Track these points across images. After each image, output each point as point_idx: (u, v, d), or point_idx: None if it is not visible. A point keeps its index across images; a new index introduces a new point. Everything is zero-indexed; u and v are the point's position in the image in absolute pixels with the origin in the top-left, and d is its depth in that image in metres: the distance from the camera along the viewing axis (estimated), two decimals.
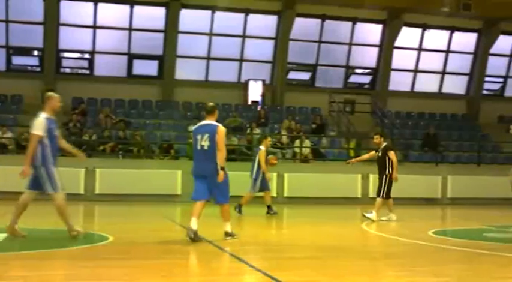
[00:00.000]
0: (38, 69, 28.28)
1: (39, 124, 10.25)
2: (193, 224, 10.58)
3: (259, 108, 28.39)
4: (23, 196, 10.51)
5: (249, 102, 29.14)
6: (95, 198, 21.10)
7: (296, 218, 18.41)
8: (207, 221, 11.68)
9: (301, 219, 17.29)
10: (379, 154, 15.91)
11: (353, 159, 17.47)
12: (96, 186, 21.51)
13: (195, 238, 10.47)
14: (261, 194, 17.14)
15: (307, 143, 25.09)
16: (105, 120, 24.87)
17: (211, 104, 11.30)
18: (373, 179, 22.98)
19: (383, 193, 15.61)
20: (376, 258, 9.76)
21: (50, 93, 10.84)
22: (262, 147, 17.07)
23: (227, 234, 11.06)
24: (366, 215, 15.47)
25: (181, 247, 10.16)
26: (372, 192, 23.17)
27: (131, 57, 28.73)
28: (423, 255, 10.07)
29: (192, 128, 11.40)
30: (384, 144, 15.99)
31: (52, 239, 10.89)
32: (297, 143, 25.02)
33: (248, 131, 25.49)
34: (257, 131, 25.60)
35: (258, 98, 29.25)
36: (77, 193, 20.92)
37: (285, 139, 25.43)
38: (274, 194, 22.59)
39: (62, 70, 28.38)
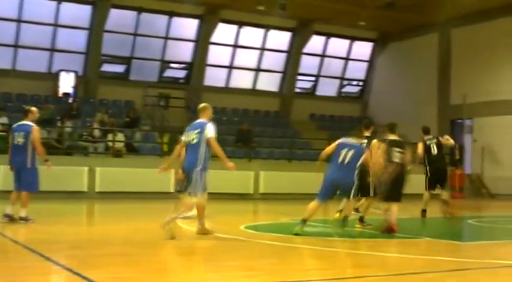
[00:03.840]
0: None
1: (214, 128, 10.96)
2: None
3: (71, 100, 27.47)
4: (192, 201, 11.04)
5: (60, 94, 28.10)
6: None
7: (108, 213, 17.97)
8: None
9: (113, 214, 16.88)
10: None
11: None
12: None
13: None
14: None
15: (120, 136, 24.60)
16: None
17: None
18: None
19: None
20: (187, 254, 9.67)
21: (206, 104, 11.53)
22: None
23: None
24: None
25: None
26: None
27: None
28: (234, 249, 10.06)
29: None
30: None
31: None
32: (110, 136, 24.45)
33: (59, 123, 24.57)
34: (68, 124, 24.76)
35: (70, 90, 28.29)
36: None
37: (97, 132, 24.75)
38: (85, 189, 22.00)
39: None
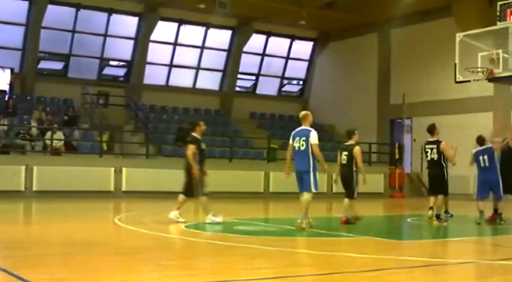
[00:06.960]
0: None
1: (316, 135, 12.55)
2: None
3: (7, 97, 26.87)
4: (304, 197, 12.47)
5: None
6: None
7: (46, 212, 17.62)
8: None
9: (51, 214, 16.55)
10: None
11: None
12: None
13: None
14: None
15: (59, 135, 24.17)
16: None
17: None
18: (125, 172, 22.72)
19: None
20: (127, 253, 9.50)
21: (307, 112, 13.06)
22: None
23: None
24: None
25: None
26: (124, 186, 22.83)
27: None
28: (174, 249, 10.00)
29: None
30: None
31: None
32: (48, 135, 24.00)
33: None
34: (5, 121, 24.23)
35: (6, 87, 27.67)
36: None
37: (35, 131, 24.27)
38: (22, 188, 21.57)
39: None
